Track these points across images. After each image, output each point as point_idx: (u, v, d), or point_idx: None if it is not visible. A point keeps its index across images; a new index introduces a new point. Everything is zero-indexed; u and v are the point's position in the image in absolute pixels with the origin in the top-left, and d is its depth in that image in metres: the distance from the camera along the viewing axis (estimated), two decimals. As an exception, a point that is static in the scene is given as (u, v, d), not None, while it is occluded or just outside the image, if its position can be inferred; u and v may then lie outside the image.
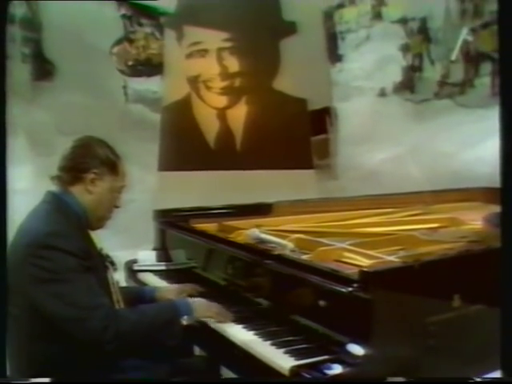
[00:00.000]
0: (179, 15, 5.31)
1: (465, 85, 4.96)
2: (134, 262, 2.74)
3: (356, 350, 1.58)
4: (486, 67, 4.81)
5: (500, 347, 1.54)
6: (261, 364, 1.69)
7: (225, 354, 1.93)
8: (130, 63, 5.32)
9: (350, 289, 1.65)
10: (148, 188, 4.75)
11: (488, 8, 4.69)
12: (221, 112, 5.34)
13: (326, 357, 1.62)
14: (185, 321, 1.88)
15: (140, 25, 5.34)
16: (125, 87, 5.30)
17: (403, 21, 5.20)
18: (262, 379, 1.72)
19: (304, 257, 2.09)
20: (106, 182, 1.93)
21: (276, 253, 2.10)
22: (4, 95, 1.67)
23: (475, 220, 2.73)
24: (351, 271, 1.79)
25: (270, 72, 5.32)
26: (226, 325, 1.94)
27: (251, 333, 1.86)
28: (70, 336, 1.73)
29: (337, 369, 1.55)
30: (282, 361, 1.64)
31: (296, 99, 5.28)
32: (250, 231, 2.43)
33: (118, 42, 5.29)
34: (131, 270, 2.70)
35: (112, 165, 1.94)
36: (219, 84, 5.28)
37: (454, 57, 4.94)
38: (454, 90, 5.00)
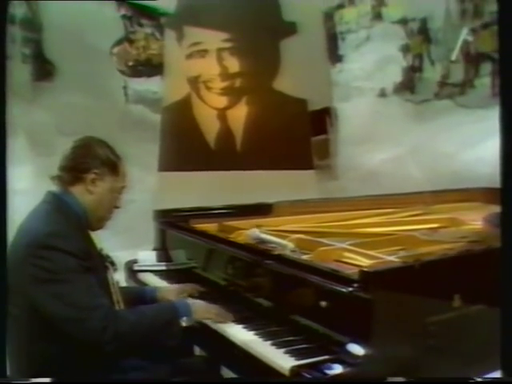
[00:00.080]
0: (179, 16, 5.30)
1: (465, 85, 4.96)
2: (134, 262, 2.74)
3: (356, 349, 1.58)
4: (486, 67, 4.82)
5: (500, 347, 1.54)
6: (261, 364, 1.69)
7: (225, 354, 1.92)
8: (131, 63, 5.32)
9: (351, 289, 1.65)
10: (148, 188, 4.75)
11: (488, 8, 4.69)
12: (221, 112, 5.34)
13: (326, 357, 1.62)
14: (184, 322, 1.88)
15: (140, 25, 5.35)
16: (125, 87, 5.30)
17: (403, 21, 5.20)
18: (262, 379, 1.72)
19: (304, 257, 2.09)
20: (106, 182, 1.93)
21: (276, 253, 2.09)
22: (4, 95, 1.67)
23: (475, 220, 2.73)
24: (351, 271, 1.79)
25: (270, 72, 5.31)
26: (226, 325, 1.94)
27: (251, 333, 1.86)
28: (70, 336, 1.73)
29: (337, 369, 1.55)
30: (283, 361, 1.64)
31: (296, 99, 5.28)
32: (251, 231, 2.42)
33: (119, 43, 5.29)
34: (131, 271, 2.70)
35: (112, 165, 1.94)
36: (219, 84, 5.27)
37: (454, 57, 4.94)
38: (454, 90, 5.01)
